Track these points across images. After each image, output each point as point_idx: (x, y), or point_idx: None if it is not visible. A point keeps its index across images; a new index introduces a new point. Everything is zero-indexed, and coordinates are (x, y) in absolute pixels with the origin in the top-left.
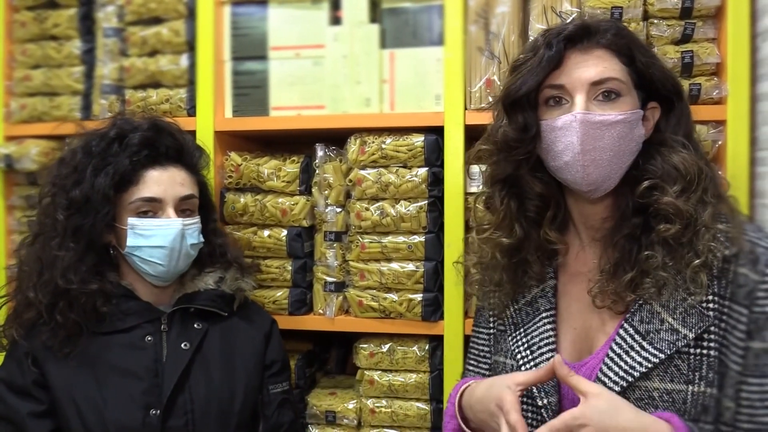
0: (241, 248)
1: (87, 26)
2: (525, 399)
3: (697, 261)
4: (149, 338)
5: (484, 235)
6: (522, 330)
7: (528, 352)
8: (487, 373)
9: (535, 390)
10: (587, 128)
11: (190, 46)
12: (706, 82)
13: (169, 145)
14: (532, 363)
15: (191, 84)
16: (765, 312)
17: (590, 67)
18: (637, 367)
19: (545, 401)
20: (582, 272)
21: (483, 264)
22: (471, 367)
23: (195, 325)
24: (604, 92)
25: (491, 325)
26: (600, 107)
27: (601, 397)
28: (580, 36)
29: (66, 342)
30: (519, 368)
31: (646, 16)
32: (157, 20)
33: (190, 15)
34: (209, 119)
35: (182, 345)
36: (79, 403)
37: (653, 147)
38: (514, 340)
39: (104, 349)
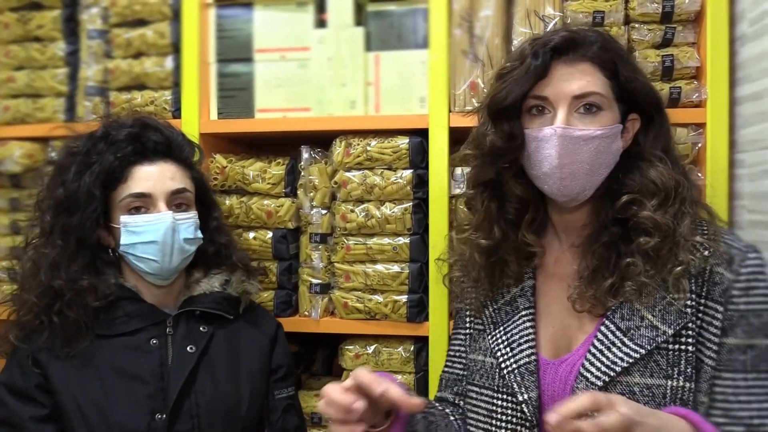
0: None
1: (71, 28)
2: (505, 396)
3: (680, 268)
4: (154, 341)
5: (464, 236)
6: (502, 328)
7: (508, 349)
8: (461, 373)
9: (515, 386)
10: (566, 142)
11: (175, 48)
12: (686, 85)
13: (157, 140)
14: (512, 360)
15: (176, 86)
16: (739, 309)
17: (574, 80)
18: (619, 362)
19: (525, 396)
20: (561, 275)
21: (462, 263)
22: (446, 368)
23: (201, 328)
24: (585, 105)
25: (467, 325)
26: (581, 120)
27: (628, 402)
28: (566, 48)
29: (66, 343)
30: (499, 365)
31: (627, 21)
32: (141, 22)
33: (175, 17)
34: (194, 121)
35: (188, 348)
36: (83, 407)
37: (631, 161)
38: (494, 338)
39: (109, 352)
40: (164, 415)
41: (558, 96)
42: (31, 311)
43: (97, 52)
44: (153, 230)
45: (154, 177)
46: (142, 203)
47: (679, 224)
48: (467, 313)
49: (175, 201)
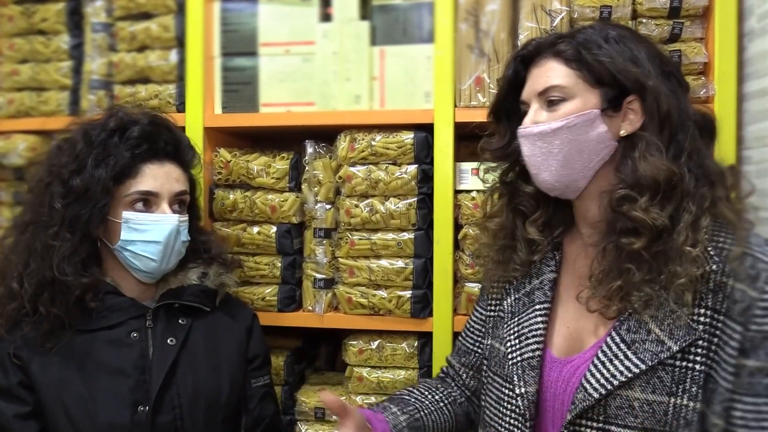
0: (226, 245)
1: (75, 21)
2: (504, 385)
3: (681, 281)
4: (135, 335)
5: (482, 221)
6: (516, 319)
7: (517, 341)
8: (470, 347)
9: (515, 378)
10: (529, 140)
11: (180, 42)
12: (693, 81)
13: (167, 141)
14: (518, 352)
15: (180, 80)
16: (762, 330)
17: (539, 78)
18: (618, 375)
19: (523, 390)
20: (580, 273)
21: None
22: (461, 336)
23: (179, 321)
24: (548, 100)
25: (490, 308)
26: (548, 115)
27: None
28: (535, 54)
29: (48, 336)
30: (506, 356)
31: (635, 15)
32: (146, 15)
33: (180, 10)
34: (198, 115)
35: (168, 341)
36: (66, 402)
37: (629, 149)
38: (508, 328)
39: (90, 346)
40: (147, 408)
41: (529, 96)
42: (14, 300)
43: (101, 46)
44: (158, 230)
45: (161, 177)
46: (147, 201)
47: (678, 223)
48: (492, 293)
49: (176, 202)
